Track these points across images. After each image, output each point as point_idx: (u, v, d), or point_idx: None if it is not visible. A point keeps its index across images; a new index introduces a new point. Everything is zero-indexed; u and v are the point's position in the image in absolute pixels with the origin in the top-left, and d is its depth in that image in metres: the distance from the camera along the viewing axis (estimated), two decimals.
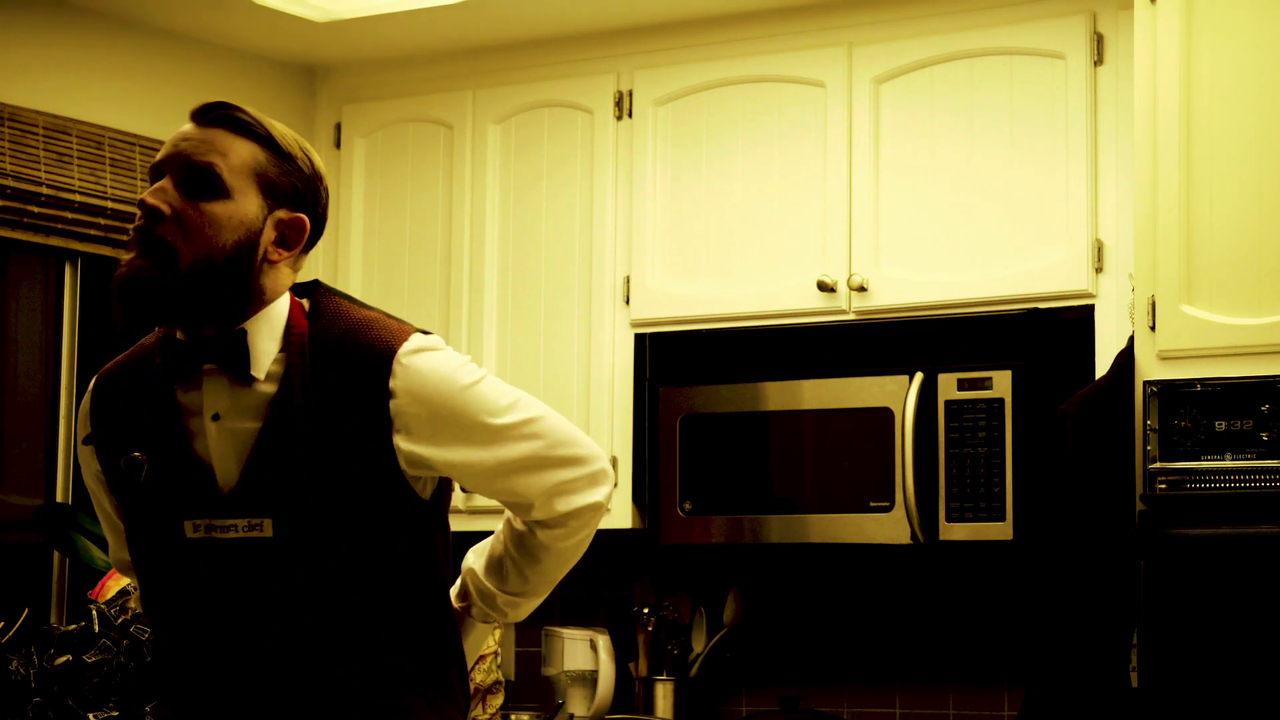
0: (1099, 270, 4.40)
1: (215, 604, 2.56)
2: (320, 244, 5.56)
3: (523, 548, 2.67)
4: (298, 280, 2.65)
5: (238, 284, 2.54)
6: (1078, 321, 4.43)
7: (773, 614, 5.05)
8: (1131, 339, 4.08)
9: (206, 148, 2.55)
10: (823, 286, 4.65)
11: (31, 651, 4.41)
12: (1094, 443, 4.01)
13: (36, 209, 4.69)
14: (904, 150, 4.62)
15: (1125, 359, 4.07)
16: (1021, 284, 4.46)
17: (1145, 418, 3.96)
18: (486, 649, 5.09)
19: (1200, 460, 3.91)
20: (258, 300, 2.57)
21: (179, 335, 2.58)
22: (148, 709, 4.43)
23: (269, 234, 2.57)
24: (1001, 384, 4.39)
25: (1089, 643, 3.97)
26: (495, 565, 2.71)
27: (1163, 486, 3.93)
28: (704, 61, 4.88)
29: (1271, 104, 3.93)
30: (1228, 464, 3.88)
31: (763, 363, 4.69)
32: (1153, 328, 4.00)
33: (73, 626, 4.44)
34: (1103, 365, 4.29)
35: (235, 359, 2.54)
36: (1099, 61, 4.44)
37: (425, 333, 2.61)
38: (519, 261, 5.05)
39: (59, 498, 4.87)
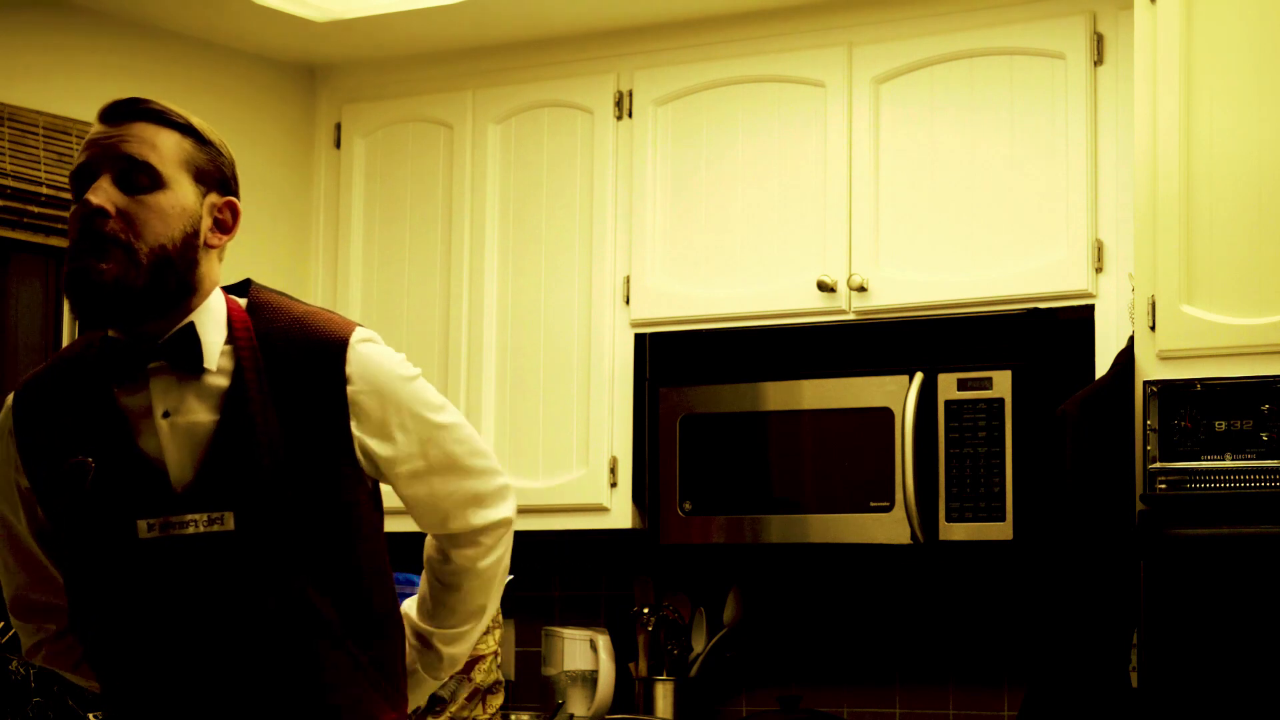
0: (1099, 270, 4.40)
1: (173, 604, 2.52)
2: (320, 245, 5.61)
3: (442, 576, 2.69)
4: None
5: (186, 274, 2.54)
6: (1078, 321, 4.43)
7: (773, 614, 5.05)
8: (1131, 339, 4.08)
9: (136, 141, 2.54)
10: (823, 286, 4.65)
11: None
12: (1094, 443, 4.01)
13: (36, 209, 4.69)
14: (904, 150, 4.62)
15: (1125, 359, 4.07)
16: (1021, 284, 4.46)
17: (1145, 418, 3.96)
18: (486, 649, 5.09)
19: (1200, 460, 3.91)
20: (200, 291, 2.56)
21: (110, 334, 2.55)
22: None
23: (205, 220, 2.56)
24: (1001, 384, 4.39)
25: (1089, 643, 3.97)
26: (424, 605, 2.72)
27: (1163, 486, 3.93)
28: (704, 61, 4.88)
29: (1271, 104, 3.93)
30: (1228, 464, 3.88)
31: (763, 363, 4.69)
32: (1153, 328, 4.00)
33: None
34: (1103, 365, 4.29)
35: (186, 353, 2.53)
36: (1099, 61, 4.44)
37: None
38: (519, 261, 5.05)
39: None
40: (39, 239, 4.74)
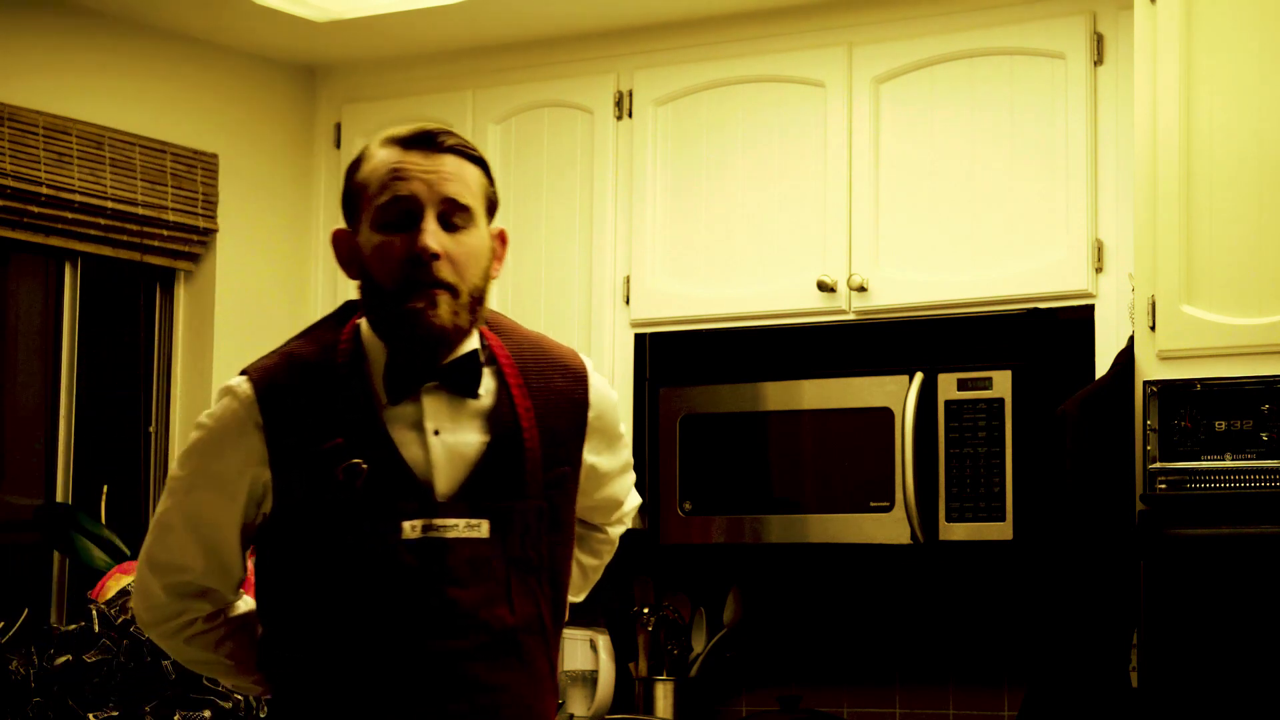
0: (1099, 270, 4.40)
1: (426, 599, 2.60)
2: (320, 245, 5.59)
3: (589, 548, 2.92)
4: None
5: (483, 307, 2.68)
6: (1078, 321, 4.43)
7: (773, 614, 5.05)
8: (1131, 339, 4.08)
9: (456, 181, 2.63)
10: (823, 286, 4.65)
11: (31, 651, 4.41)
12: (1094, 443, 4.01)
13: (36, 209, 4.69)
14: (904, 150, 4.62)
15: (1125, 359, 4.07)
16: (1021, 284, 4.46)
17: (1145, 418, 3.96)
18: None
19: (1200, 460, 3.91)
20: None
21: (371, 338, 2.70)
22: (148, 709, 4.43)
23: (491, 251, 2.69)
24: (1001, 384, 4.39)
25: (1089, 643, 3.97)
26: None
27: (1163, 486, 3.93)
28: (704, 61, 4.88)
29: (1271, 104, 3.93)
30: (1228, 464, 3.88)
31: (763, 363, 4.69)
32: (1153, 328, 4.00)
33: (73, 626, 4.44)
34: (1103, 365, 4.29)
35: (465, 378, 2.65)
36: (1099, 61, 4.44)
37: None
38: (519, 261, 5.05)
39: (59, 498, 4.87)
40: (39, 239, 4.74)
